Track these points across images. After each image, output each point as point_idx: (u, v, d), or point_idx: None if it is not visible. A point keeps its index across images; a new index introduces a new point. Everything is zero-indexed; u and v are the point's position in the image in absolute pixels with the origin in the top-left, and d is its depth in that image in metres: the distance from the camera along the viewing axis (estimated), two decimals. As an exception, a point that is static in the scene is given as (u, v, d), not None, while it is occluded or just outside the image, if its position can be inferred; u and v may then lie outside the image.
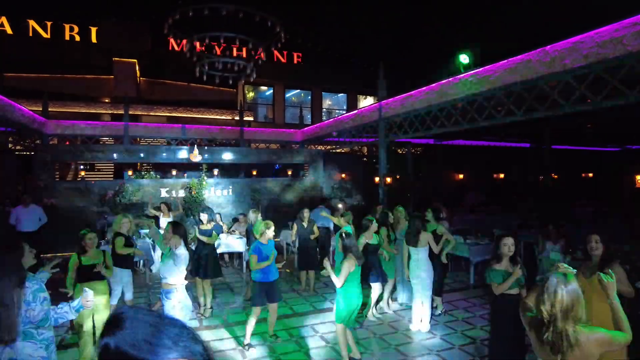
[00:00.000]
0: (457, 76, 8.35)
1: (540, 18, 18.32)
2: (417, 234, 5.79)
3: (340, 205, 9.00)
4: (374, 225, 5.95)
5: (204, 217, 6.79)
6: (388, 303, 6.70)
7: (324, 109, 24.75)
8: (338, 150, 18.73)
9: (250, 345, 5.32)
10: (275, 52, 23.37)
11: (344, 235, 4.74)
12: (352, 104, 24.72)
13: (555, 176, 17.66)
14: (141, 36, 19.63)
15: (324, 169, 14.56)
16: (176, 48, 21.15)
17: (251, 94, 24.04)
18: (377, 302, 6.53)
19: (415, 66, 19.78)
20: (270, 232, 5.41)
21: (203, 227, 6.74)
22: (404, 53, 21.20)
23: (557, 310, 2.27)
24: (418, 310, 5.83)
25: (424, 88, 9.30)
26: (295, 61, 23.80)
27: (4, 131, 11.45)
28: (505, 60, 7.29)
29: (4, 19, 18.69)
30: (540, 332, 2.36)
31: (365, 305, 6.08)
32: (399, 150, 18.24)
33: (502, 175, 19.58)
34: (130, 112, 17.15)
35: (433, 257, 5.92)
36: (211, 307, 6.73)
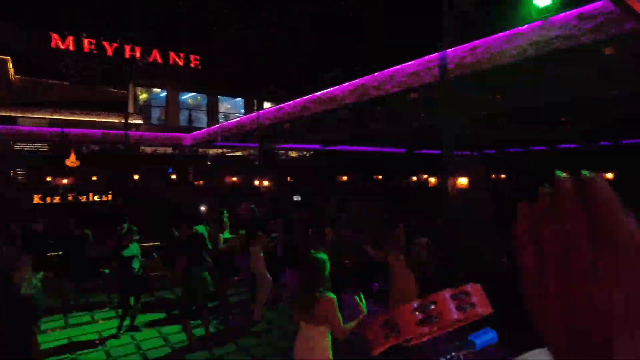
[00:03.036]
0: (314, 94, 9.56)
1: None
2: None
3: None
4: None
5: None
6: None
7: (221, 113, 25.08)
8: (232, 154, 19.31)
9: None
10: (172, 54, 23.16)
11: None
12: (249, 108, 25.36)
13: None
14: (13, 32, 18.26)
15: (215, 173, 15.11)
16: (61, 46, 20.02)
17: (144, 95, 23.52)
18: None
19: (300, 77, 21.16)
20: None
21: None
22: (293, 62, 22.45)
23: (306, 277, 3.31)
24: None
25: (290, 102, 10.40)
26: (192, 64, 23.80)
27: None
28: (348, 83, 8.62)
29: None
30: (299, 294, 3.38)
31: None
32: (288, 154, 19.37)
33: (380, 177, 21.79)
34: (3, 114, 16.03)
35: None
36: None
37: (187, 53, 23.54)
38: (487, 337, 1.18)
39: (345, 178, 20.57)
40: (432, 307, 0.76)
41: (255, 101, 24.77)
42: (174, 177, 17.43)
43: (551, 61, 5.51)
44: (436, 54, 6.96)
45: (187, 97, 24.73)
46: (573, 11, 5.20)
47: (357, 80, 8.40)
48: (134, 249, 6.25)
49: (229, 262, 7.29)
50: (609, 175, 16.20)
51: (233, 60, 23.36)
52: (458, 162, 6.94)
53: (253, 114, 12.12)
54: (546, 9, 5.29)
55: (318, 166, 19.46)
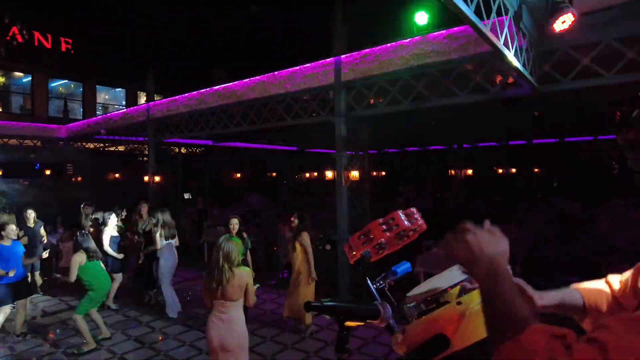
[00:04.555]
0: (213, 87, 9.55)
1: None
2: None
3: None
4: (114, 219, 6.65)
5: None
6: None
7: (99, 104, 22.93)
8: (112, 149, 17.89)
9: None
10: (37, 34, 20.39)
11: (77, 234, 5.36)
12: (131, 100, 23.58)
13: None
14: None
15: (93, 168, 13.89)
16: None
17: (1, 79, 20.35)
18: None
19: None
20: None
21: None
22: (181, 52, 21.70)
23: (220, 256, 3.52)
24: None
25: (186, 95, 10.19)
26: (63, 48, 21.28)
27: None
28: (248, 79, 8.83)
29: None
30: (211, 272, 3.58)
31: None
32: (177, 149, 18.66)
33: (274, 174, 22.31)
34: None
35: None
36: None
37: (57, 34, 21.01)
38: (405, 267, 1.63)
39: (238, 175, 20.54)
40: (392, 220, 1.17)
41: (139, 92, 23.20)
42: (48, 172, 15.51)
43: (428, 71, 6.50)
44: (331, 58, 7.58)
45: (59, 84, 22.07)
46: (444, 31, 6.23)
47: (257, 77, 8.66)
48: None
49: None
50: (469, 171, 19.07)
51: (114, 45, 21.50)
52: (349, 160, 7.65)
53: (143, 105, 11.50)
54: (425, 27, 6.23)
55: (210, 162, 19.11)
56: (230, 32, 21.76)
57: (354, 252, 1.22)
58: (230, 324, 3.51)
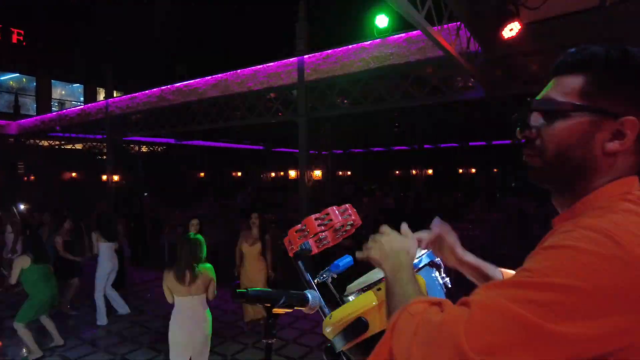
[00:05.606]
0: (174, 84, 9.38)
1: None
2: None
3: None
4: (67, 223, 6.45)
5: None
6: None
7: (55, 100, 21.93)
8: (69, 147, 17.15)
9: None
10: (-18, 23, 19.27)
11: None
12: (90, 97, 22.72)
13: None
14: None
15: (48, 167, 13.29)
16: None
17: (-58, 72, 19.12)
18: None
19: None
20: None
21: None
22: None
23: (186, 254, 3.67)
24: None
25: (147, 91, 9.95)
26: (14, 39, 20.19)
27: None
28: (210, 77, 8.73)
29: None
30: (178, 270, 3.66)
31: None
32: (137, 148, 18.14)
33: (239, 174, 22.09)
34: None
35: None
36: None
37: (7, 25, 19.90)
38: (346, 260, 1.70)
39: (202, 174, 20.19)
40: (326, 216, 1.23)
41: (98, 88, 22.35)
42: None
43: (388, 73, 6.66)
44: (295, 58, 7.62)
45: (9, 77, 20.93)
46: (403, 35, 6.40)
47: (220, 74, 8.58)
48: None
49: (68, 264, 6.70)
50: (430, 171, 19.63)
51: (70, 37, 20.58)
52: (311, 160, 7.73)
53: (101, 102, 11.13)
54: (385, 30, 6.37)
55: (172, 161, 18.70)
56: (193, 27, 21.38)
57: (292, 246, 1.28)
58: (197, 320, 3.65)
